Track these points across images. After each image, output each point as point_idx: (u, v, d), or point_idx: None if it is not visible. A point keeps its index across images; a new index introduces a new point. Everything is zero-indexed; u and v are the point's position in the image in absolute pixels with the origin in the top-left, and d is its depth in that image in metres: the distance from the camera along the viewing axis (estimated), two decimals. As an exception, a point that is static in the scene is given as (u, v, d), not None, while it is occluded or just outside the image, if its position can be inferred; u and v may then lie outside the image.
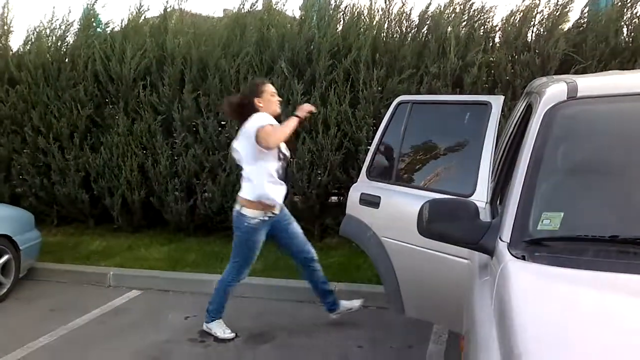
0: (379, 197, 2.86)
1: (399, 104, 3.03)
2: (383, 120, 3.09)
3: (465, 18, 4.96)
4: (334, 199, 5.46)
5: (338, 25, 5.30)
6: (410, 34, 5.09)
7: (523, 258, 1.40)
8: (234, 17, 5.72)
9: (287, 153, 3.36)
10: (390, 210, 2.80)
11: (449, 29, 4.87)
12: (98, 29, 6.05)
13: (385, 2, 5.14)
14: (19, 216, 4.59)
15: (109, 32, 6.02)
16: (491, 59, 4.77)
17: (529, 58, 4.55)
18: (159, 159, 5.48)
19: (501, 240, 1.50)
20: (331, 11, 5.29)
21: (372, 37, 5.03)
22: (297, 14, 5.56)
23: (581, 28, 4.67)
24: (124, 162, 5.58)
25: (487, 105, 2.60)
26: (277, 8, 5.62)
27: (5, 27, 6.14)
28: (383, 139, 3.05)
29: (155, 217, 5.83)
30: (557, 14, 4.69)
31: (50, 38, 6.02)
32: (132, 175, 5.55)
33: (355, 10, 5.31)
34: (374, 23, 5.17)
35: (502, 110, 2.65)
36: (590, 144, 1.69)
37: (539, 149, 1.63)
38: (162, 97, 5.47)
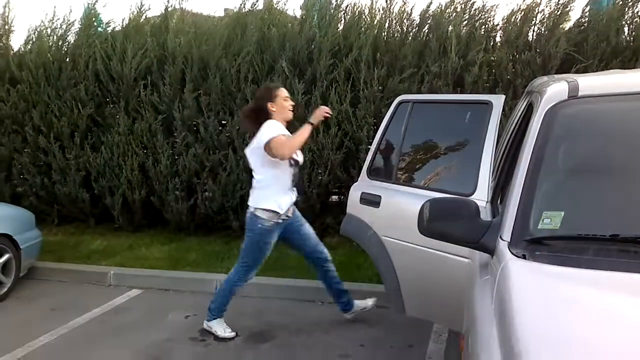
0: (380, 196, 2.86)
1: (400, 103, 3.03)
2: (384, 120, 3.09)
3: (466, 17, 4.96)
4: (334, 198, 5.46)
5: (339, 25, 5.31)
6: (411, 33, 5.10)
7: (524, 257, 1.40)
8: (234, 16, 5.73)
9: (300, 158, 3.34)
10: (391, 210, 2.80)
11: (450, 28, 4.87)
12: (99, 29, 6.06)
13: (386, 2, 5.15)
14: (19, 215, 4.59)
15: (109, 31, 6.03)
16: (492, 58, 4.77)
17: (530, 57, 4.55)
18: (159, 158, 5.48)
19: (502, 240, 1.50)
20: (332, 10, 5.30)
21: (373, 37, 5.04)
22: (298, 13, 5.59)
23: (582, 27, 4.67)
24: (124, 161, 5.58)
25: (488, 104, 2.61)
26: (278, 7, 5.62)
27: (7, 27, 6.15)
28: (384, 138, 3.06)
29: (156, 217, 5.83)
30: (558, 13, 4.69)
31: (51, 37, 6.02)
32: (133, 175, 5.55)
33: (356, 9, 5.32)
34: (375, 22, 5.17)
35: (503, 110, 2.65)
36: (591, 143, 1.68)
37: (539, 148, 1.63)
38: (163, 96, 5.47)
